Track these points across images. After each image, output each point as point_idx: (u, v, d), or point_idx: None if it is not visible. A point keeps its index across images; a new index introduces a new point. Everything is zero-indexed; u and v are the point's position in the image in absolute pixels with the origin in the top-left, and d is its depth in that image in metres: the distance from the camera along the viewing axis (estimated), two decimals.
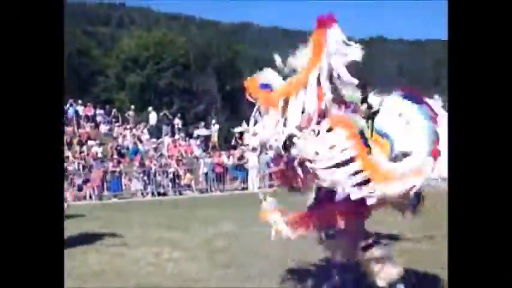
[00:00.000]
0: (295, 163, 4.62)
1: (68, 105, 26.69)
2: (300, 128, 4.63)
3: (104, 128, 27.15)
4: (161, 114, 29.41)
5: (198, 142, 27.03)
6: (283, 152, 4.72)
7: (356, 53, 4.55)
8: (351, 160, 4.41)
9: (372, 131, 4.81)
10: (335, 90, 4.64)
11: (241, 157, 22.46)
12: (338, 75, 4.57)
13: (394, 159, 4.69)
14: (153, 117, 29.04)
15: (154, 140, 25.54)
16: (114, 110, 30.39)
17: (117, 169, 20.04)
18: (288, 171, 4.85)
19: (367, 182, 4.37)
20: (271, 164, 4.83)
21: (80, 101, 28.63)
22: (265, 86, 5.25)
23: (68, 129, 23.80)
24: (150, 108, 30.08)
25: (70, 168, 19.08)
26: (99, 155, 21.03)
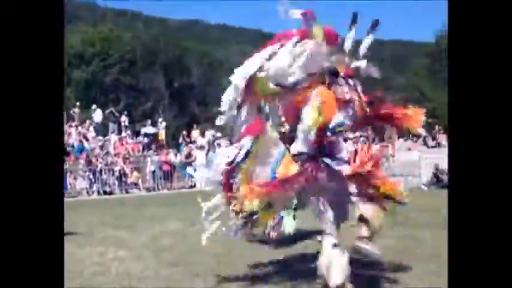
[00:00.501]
0: None
1: None
2: None
3: None
4: (107, 111, 28.98)
5: (146, 140, 26.79)
6: None
7: None
8: None
9: None
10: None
11: (188, 155, 22.39)
12: None
13: None
14: (98, 115, 28.58)
15: (100, 137, 25.13)
16: None
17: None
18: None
19: None
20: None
21: None
22: None
23: None
24: (94, 106, 29.60)
25: None
26: None
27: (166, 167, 21.83)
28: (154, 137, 27.78)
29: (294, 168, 4.88)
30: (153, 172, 21.61)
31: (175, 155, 23.24)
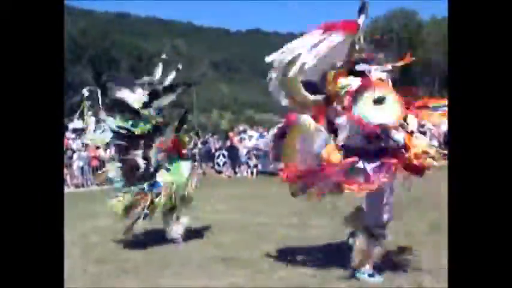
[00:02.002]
0: None
1: None
2: None
3: None
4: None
5: (73, 135, 26.14)
6: None
7: None
8: None
9: None
10: None
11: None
12: None
13: None
14: None
15: None
16: None
17: None
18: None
19: None
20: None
21: None
22: None
23: None
24: None
25: None
26: None
27: (95, 163, 21.36)
28: (82, 131, 27.12)
29: (337, 157, 4.95)
30: (82, 168, 21.09)
31: (105, 150, 22.80)
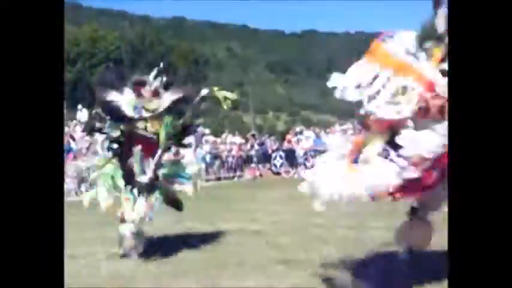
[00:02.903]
0: None
1: None
2: None
3: None
4: (94, 111, 28.80)
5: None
6: None
7: None
8: None
9: None
10: None
11: (177, 152, 22.29)
12: None
13: None
14: (83, 115, 28.44)
15: (87, 138, 24.96)
16: None
17: None
18: None
19: None
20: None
21: None
22: None
23: None
24: (80, 106, 29.44)
25: None
26: None
27: None
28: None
29: None
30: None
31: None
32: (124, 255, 6.52)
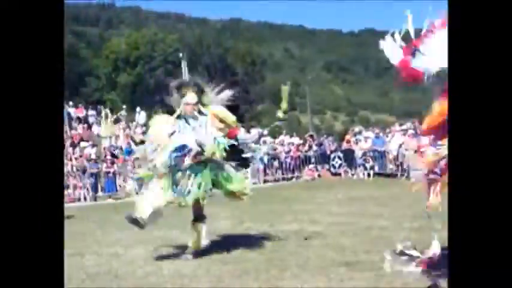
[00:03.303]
0: None
1: None
2: None
3: (96, 129, 27.02)
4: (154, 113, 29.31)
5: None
6: None
7: None
8: None
9: None
10: None
11: None
12: None
13: None
14: (142, 117, 29.01)
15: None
16: (105, 111, 30.25)
17: (111, 170, 19.96)
18: None
19: None
20: None
21: (70, 103, 28.52)
22: None
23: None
24: (138, 108, 30.04)
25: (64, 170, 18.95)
26: (93, 156, 20.91)
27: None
28: None
29: None
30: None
31: None
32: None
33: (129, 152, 22.52)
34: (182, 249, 7.05)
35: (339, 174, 22.06)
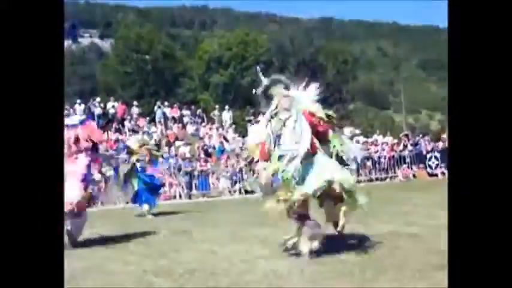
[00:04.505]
0: None
1: (155, 107, 27.55)
2: None
3: (190, 129, 27.68)
4: (247, 113, 29.72)
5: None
6: None
7: None
8: None
9: None
10: None
11: None
12: None
13: None
14: (227, 116, 29.47)
15: (240, 138, 25.76)
16: (199, 111, 30.98)
17: (205, 168, 20.36)
18: None
19: None
20: None
21: (166, 103, 29.36)
22: None
23: (156, 130, 24.42)
24: (227, 107, 30.57)
25: (161, 168, 19.46)
26: (187, 155, 21.41)
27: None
28: None
29: None
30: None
31: None
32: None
33: (222, 151, 22.92)
34: (278, 248, 7.04)
35: (436, 175, 21.39)
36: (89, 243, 8.33)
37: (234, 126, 29.02)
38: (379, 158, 23.04)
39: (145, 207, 12.78)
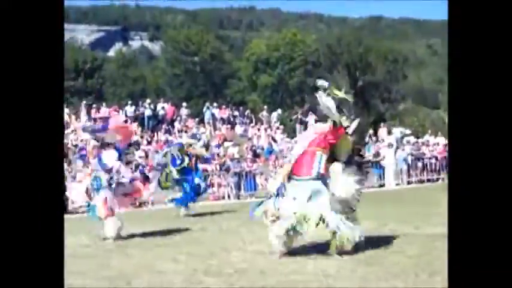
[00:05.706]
0: None
1: (204, 108, 27.84)
2: None
3: (239, 129, 27.80)
4: (294, 113, 29.69)
5: None
6: None
7: None
8: None
9: None
10: None
11: (377, 154, 21.98)
12: None
13: None
14: (274, 117, 29.49)
15: (288, 139, 25.73)
16: (247, 111, 31.11)
17: (253, 169, 20.42)
18: None
19: None
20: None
21: (215, 104, 29.60)
22: None
23: (205, 131, 24.65)
24: (278, 109, 30.65)
25: (208, 169, 19.61)
26: (236, 156, 21.51)
27: None
28: None
29: None
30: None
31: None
32: None
33: (270, 152, 22.93)
34: (326, 247, 7.00)
35: None
36: (139, 242, 8.48)
37: (282, 126, 29.07)
38: (430, 158, 22.66)
39: (186, 208, 12.99)
